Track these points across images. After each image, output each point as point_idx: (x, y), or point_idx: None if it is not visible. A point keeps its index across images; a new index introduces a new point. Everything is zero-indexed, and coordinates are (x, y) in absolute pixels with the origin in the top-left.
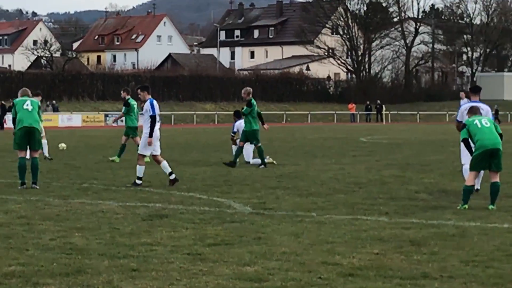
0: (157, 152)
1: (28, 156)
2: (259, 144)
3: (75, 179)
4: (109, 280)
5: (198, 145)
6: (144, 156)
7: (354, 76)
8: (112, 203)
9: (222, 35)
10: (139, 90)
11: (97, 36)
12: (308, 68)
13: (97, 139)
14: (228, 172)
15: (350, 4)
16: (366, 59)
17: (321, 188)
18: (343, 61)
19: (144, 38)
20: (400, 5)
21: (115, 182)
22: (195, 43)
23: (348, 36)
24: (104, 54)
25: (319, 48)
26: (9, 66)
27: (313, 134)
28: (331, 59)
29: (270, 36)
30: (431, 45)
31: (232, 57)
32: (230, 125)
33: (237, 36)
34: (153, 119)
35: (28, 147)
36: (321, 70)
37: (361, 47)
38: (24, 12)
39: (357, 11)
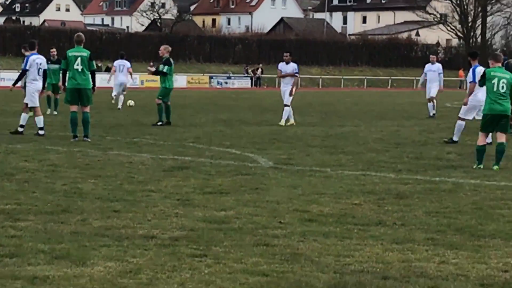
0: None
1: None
2: (169, 103)
3: (131, 134)
4: (84, 218)
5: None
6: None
7: (464, 42)
8: (146, 156)
9: (335, 0)
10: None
11: None
12: (417, 34)
13: (187, 98)
14: (284, 131)
15: None
16: (477, 25)
17: (358, 148)
18: (453, 27)
19: (259, 2)
20: None
21: (167, 138)
22: (310, 8)
23: (459, 2)
24: (219, 17)
25: (429, 14)
26: (127, 27)
27: (403, 99)
28: (441, 25)
29: (383, 1)
30: None
31: (344, 22)
32: (335, 89)
33: (350, 1)
34: (23, 72)
35: (79, 103)
36: (430, 36)
37: (472, 13)
38: None
39: None
